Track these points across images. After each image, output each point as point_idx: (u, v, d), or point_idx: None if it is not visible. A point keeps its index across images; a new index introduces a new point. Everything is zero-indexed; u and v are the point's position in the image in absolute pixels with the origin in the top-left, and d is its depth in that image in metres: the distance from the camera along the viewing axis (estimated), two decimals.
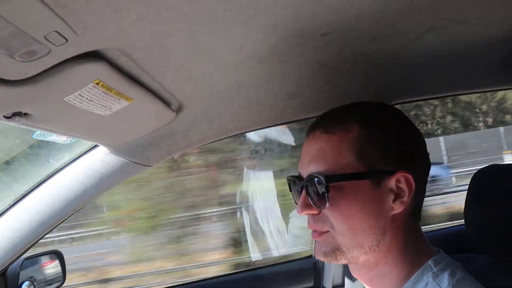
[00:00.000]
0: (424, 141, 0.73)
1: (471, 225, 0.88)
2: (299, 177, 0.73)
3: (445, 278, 0.63)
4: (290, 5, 0.53)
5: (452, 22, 0.71)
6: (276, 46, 0.67)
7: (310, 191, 0.67)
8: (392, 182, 0.66)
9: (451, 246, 0.75)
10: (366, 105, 0.74)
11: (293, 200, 0.78)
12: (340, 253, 0.67)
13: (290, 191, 0.79)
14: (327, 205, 0.65)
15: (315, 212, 0.68)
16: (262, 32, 0.60)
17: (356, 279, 1.29)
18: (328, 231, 0.68)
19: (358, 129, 0.67)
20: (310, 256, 1.68)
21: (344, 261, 0.69)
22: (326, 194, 0.64)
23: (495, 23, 0.75)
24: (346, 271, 1.41)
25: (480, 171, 0.90)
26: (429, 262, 0.66)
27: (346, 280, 1.34)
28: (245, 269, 1.66)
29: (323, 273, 1.58)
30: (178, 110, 0.86)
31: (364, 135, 0.67)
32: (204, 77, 0.74)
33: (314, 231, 0.70)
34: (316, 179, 0.66)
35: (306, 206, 0.69)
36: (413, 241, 0.69)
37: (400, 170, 0.66)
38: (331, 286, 1.53)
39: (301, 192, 0.70)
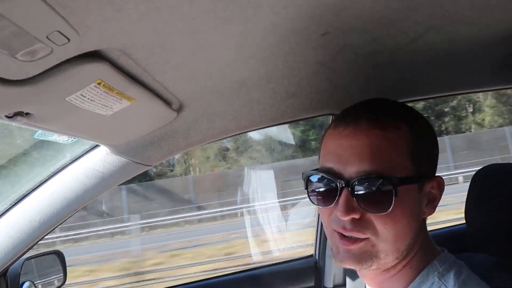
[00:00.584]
0: None
1: (472, 224, 0.88)
2: (336, 174, 0.62)
3: (451, 278, 0.63)
4: (291, 5, 0.54)
5: (452, 22, 0.71)
6: (277, 46, 0.67)
7: (357, 192, 0.60)
8: (428, 186, 0.65)
9: (451, 245, 0.75)
10: (403, 104, 0.72)
11: (309, 199, 0.69)
12: (377, 260, 0.62)
13: (306, 188, 0.69)
14: (390, 210, 0.58)
15: (357, 216, 0.61)
16: (262, 31, 0.60)
17: (357, 278, 1.29)
18: (367, 238, 0.61)
19: (408, 129, 0.64)
20: (311, 256, 1.68)
21: (373, 268, 0.64)
22: (392, 197, 0.58)
23: (495, 22, 0.75)
24: (347, 270, 1.41)
25: (480, 170, 0.90)
26: (435, 261, 0.66)
27: (348, 279, 1.34)
28: (246, 269, 1.66)
29: (324, 272, 1.58)
30: (179, 109, 0.86)
31: (413, 136, 0.64)
32: (205, 77, 0.74)
33: (348, 237, 0.62)
34: (377, 180, 0.59)
35: (352, 209, 0.60)
36: (425, 242, 0.69)
37: (435, 174, 0.65)
38: (332, 285, 1.53)
39: (340, 191, 0.61)
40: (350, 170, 0.61)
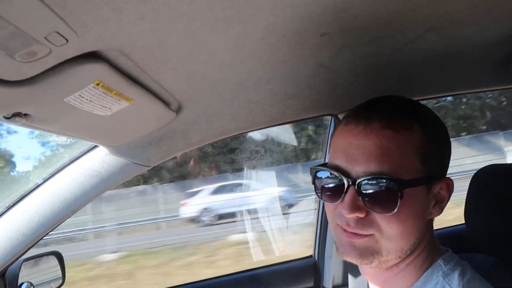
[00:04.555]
0: None
1: (472, 224, 0.88)
2: (344, 172, 0.63)
3: (455, 278, 0.62)
4: (290, 5, 0.54)
5: (451, 22, 0.71)
6: (276, 46, 0.67)
7: (363, 192, 0.60)
8: (437, 188, 0.64)
9: (451, 245, 0.75)
10: (416, 103, 0.70)
11: (316, 194, 0.70)
12: (378, 256, 0.62)
13: (314, 183, 0.70)
14: (395, 211, 0.59)
15: (362, 215, 0.61)
16: (261, 32, 0.60)
17: (359, 276, 1.29)
18: (371, 234, 0.62)
19: (421, 131, 0.63)
20: (311, 256, 1.68)
21: (374, 265, 0.64)
22: (397, 199, 0.58)
23: (494, 23, 0.75)
24: (349, 268, 1.41)
25: (480, 171, 0.90)
26: (439, 261, 0.66)
27: (350, 277, 1.34)
28: (245, 269, 1.65)
29: (323, 273, 1.58)
30: (178, 110, 0.86)
31: (426, 137, 0.63)
32: (204, 77, 0.74)
33: (352, 233, 0.63)
34: (383, 181, 0.59)
35: (357, 208, 0.61)
36: (430, 242, 0.68)
37: (445, 176, 0.65)
38: (331, 286, 1.53)
39: (346, 189, 0.61)
40: (358, 169, 0.61)
